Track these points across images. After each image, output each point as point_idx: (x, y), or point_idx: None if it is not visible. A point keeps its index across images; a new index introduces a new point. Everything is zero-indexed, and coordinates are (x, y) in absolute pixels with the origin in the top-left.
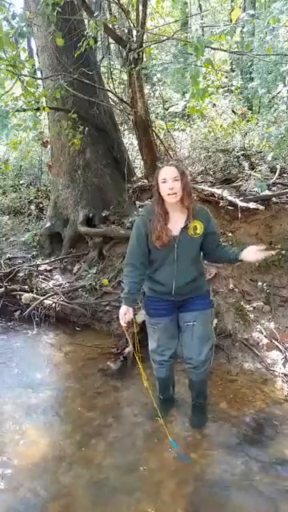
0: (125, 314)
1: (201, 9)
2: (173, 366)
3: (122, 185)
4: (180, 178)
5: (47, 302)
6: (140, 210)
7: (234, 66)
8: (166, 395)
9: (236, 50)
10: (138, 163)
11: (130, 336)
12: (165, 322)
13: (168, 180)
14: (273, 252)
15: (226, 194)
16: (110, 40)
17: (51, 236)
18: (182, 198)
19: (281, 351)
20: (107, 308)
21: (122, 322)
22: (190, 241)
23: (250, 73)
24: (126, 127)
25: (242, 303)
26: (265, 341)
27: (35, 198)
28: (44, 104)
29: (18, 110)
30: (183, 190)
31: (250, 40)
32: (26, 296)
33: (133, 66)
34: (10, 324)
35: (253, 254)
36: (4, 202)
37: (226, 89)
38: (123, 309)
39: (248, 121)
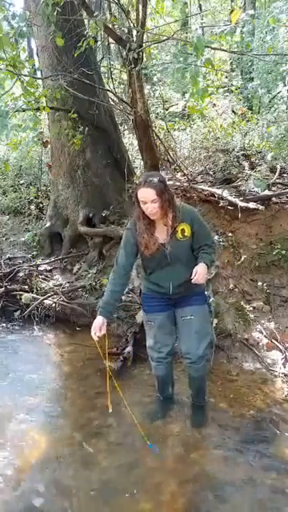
0: (99, 326)
1: (201, 9)
2: (171, 364)
3: (122, 185)
4: (158, 199)
5: (47, 301)
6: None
7: (234, 66)
8: (164, 394)
9: (236, 50)
10: (138, 163)
11: (130, 340)
12: (161, 318)
13: (147, 202)
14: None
15: (225, 194)
16: (110, 40)
17: (51, 236)
18: (161, 214)
19: (281, 351)
20: None
21: (95, 336)
22: (180, 245)
23: (250, 73)
24: (126, 127)
25: (242, 303)
26: (265, 341)
27: (35, 197)
28: (44, 104)
29: (17, 110)
30: (161, 209)
31: (249, 40)
32: (26, 296)
33: (133, 66)
34: (10, 324)
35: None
36: (4, 202)
37: (226, 89)
38: (99, 320)
39: (248, 121)
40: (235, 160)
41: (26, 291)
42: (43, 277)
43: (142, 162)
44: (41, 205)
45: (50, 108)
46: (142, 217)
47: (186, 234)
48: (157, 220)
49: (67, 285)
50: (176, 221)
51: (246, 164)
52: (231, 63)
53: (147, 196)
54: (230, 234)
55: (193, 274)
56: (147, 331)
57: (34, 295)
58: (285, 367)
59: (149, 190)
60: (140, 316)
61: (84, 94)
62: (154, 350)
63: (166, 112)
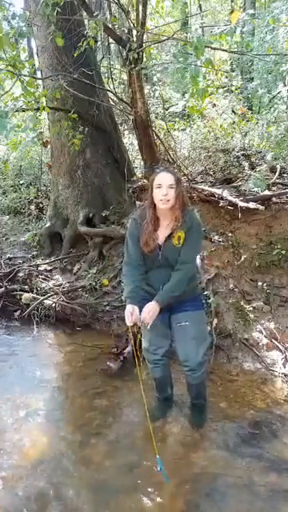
0: (131, 313)
1: (201, 9)
2: (169, 365)
3: (122, 185)
4: (175, 186)
5: (47, 302)
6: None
7: (234, 66)
8: (163, 395)
9: (236, 50)
10: (137, 163)
11: (130, 340)
12: (155, 321)
13: (163, 186)
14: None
15: (225, 193)
16: (110, 40)
17: (51, 236)
18: (173, 206)
19: (281, 351)
20: (107, 308)
21: (128, 322)
22: (173, 250)
23: (250, 73)
24: (126, 127)
25: (242, 303)
26: (265, 341)
27: (35, 197)
28: (44, 104)
29: (17, 110)
30: (176, 199)
31: (249, 40)
32: (25, 296)
33: (133, 66)
34: (9, 324)
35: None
36: (4, 202)
37: (225, 89)
38: (129, 308)
39: (248, 121)
40: (235, 160)
41: (26, 291)
42: (43, 277)
43: (142, 162)
44: (41, 205)
45: (50, 108)
46: (151, 212)
47: (181, 241)
48: (163, 217)
49: (67, 285)
50: (179, 225)
51: (246, 164)
52: (231, 63)
53: (165, 180)
54: (230, 234)
55: (143, 312)
56: (143, 333)
57: (34, 295)
58: (285, 367)
59: (168, 175)
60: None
61: (84, 94)
62: (150, 352)
63: (166, 112)
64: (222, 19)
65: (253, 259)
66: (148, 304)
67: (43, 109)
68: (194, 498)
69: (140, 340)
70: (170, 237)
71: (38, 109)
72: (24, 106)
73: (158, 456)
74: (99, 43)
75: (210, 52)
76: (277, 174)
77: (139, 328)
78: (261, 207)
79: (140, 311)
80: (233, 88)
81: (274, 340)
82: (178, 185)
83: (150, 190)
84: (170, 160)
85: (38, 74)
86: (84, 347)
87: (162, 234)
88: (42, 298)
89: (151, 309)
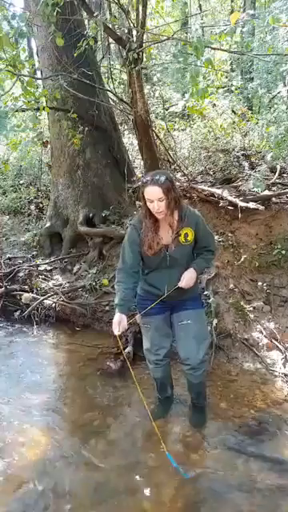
0: (119, 322)
1: (201, 9)
2: (169, 365)
3: (122, 185)
4: (165, 197)
5: (47, 301)
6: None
7: (234, 66)
8: (164, 395)
9: (236, 50)
10: (137, 163)
11: (130, 340)
12: (157, 321)
13: (153, 200)
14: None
15: (225, 194)
16: (110, 40)
17: (51, 236)
18: (167, 213)
19: (281, 351)
20: (107, 308)
21: (116, 332)
22: (181, 249)
23: (250, 73)
24: (126, 127)
25: (242, 303)
26: (265, 341)
27: (35, 197)
28: (44, 104)
29: (17, 110)
30: (168, 208)
31: (249, 40)
32: (26, 296)
33: (133, 66)
34: (10, 324)
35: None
36: (4, 202)
37: (225, 89)
38: (117, 317)
39: (248, 121)
40: (235, 160)
41: (26, 291)
42: (43, 277)
43: (142, 162)
44: (41, 205)
45: (50, 108)
46: (147, 215)
47: (188, 238)
48: (162, 220)
49: (67, 285)
50: (181, 223)
51: (246, 164)
52: (231, 63)
53: (153, 194)
54: (229, 234)
55: (181, 279)
56: (144, 334)
57: (34, 295)
58: (285, 367)
59: (155, 188)
60: (139, 317)
61: (84, 94)
62: (151, 353)
63: (166, 112)
64: (221, 19)
65: (253, 259)
66: (187, 271)
67: (43, 109)
68: (194, 497)
69: (141, 342)
70: (176, 237)
71: (38, 109)
72: (24, 106)
73: (167, 453)
74: (99, 43)
75: (210, 52)
76: (277, 174)
77: (127, 337)
78: (261, 207)
79: (129, 318)
80: (233, 88)
81: (273, 340)
82: (168, 194)
83: (143, 201)
84: (170, 160)
85: (38, 74)
86: (84, 347)
87: (166, 234)
88: (42, 298)
89: (191, 275)
